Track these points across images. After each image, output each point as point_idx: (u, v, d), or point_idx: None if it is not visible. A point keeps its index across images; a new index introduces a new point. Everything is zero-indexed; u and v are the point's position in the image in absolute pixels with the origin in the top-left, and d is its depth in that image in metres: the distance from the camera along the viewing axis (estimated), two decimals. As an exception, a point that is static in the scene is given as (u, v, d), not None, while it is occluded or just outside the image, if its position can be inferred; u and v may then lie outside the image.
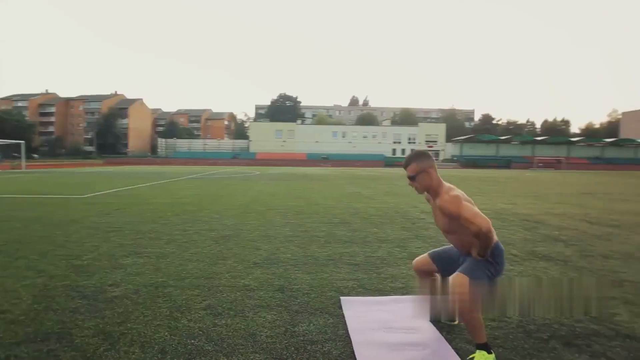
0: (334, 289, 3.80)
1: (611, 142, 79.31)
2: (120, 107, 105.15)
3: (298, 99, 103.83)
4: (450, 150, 76.57)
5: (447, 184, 2.73)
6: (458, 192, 2.64)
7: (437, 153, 76.50)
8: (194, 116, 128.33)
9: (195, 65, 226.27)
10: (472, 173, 38.05)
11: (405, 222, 7.79)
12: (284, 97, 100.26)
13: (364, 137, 75.20)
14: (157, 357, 2.50)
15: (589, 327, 3.01)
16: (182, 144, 79.27)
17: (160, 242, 5.67)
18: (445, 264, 2.90)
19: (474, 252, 2.64)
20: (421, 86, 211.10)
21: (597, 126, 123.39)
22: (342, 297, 3.52)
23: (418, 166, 2.71)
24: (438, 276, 2.94)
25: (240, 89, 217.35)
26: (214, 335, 2.78)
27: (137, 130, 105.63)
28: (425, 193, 2.84)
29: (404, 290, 3.81)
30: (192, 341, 2.71)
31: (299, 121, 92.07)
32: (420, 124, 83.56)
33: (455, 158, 72.91)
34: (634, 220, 8.32)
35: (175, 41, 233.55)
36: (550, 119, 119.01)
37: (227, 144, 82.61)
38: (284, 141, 73.70)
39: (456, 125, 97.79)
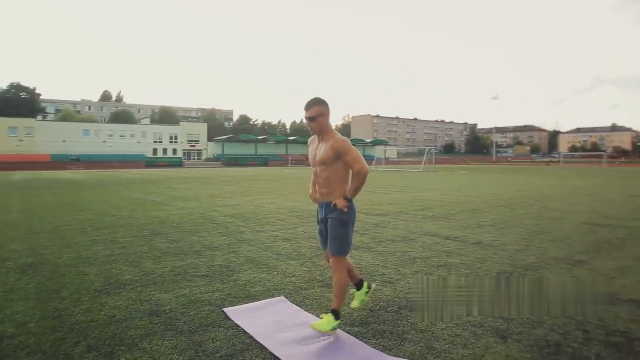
0: (206, 303, 3.89)
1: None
2: None
3: (36, 91, 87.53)
4: (212, 149, 77.83)
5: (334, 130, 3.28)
6: None
7: (199, 152, 76.71)
8: None
9: None
10: (240, 172, 39.85)
11: (218, 227, 8.02)
12: (17, 88, 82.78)
13: (121, 135, 69.40)
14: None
15: (413, 297, 4.04)
16: None
17: (-57, 284, 4.49)
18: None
19: (337, 195, 3.20)
20: (179, 85, 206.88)
21: (334, 128, 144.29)
22: (225, 309, 3.67)
23: (320, 109, 3.20)
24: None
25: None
26: (127, 373, 2.64)
27: None
28: (312, 137, 3.41)
29: (269, 292, 4.20)
30: (105, 384, 2.52)
31: (40, 117, 78.29)
32: (181, 123, 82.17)
33: (217, 157, 74.58)
34: (392, 209, 10.59)
35: None
36: (298, 121, 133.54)
37: None
38: (20, 140, 61.64)
39: (216, 124, 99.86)
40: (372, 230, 7.69)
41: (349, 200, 3.21)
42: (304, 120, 3.39)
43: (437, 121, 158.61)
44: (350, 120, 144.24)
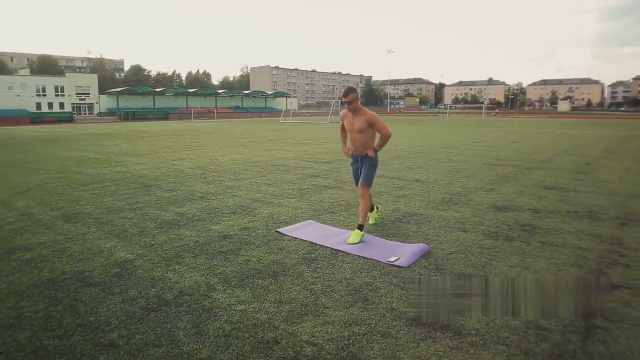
0: (255, 228, 5.25)
1: (247, 93, 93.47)
2: None
3: None
4: (104, 102, 72.50)
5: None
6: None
7: (90, 106, 71.18)
8: None
9: None
10: (150, 127, 38.63)
11: (196, 178, 9.05)
12: None
13: (-4, 88, 61.48)
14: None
15: (396, 215, 5.81)
16: None
17: None
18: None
19: (370, 150, 4.77)
20: (58, 31, 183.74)
21: (232, 79, 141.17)
22: (277, 230, 5.12)
23: (355, 95, 4.69)
24: None
25: None
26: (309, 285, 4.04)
27: None
28: (344, 112, 4.87)
29: (294, 219, 5.66)
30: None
31: None
32: (68, 74, 74.60)
33: (111, 111, 69.87)
34: (333, 157, 12.31)
35: None
36: (194, 72, 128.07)
37: None
38: None
39: (106, 76, 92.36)
40: (330, 175, 9.34)
41: (376, 152, 4.82)
42: (342, 101, 4.81)
43: (334, 73, 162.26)
44: (248, 71, 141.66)
